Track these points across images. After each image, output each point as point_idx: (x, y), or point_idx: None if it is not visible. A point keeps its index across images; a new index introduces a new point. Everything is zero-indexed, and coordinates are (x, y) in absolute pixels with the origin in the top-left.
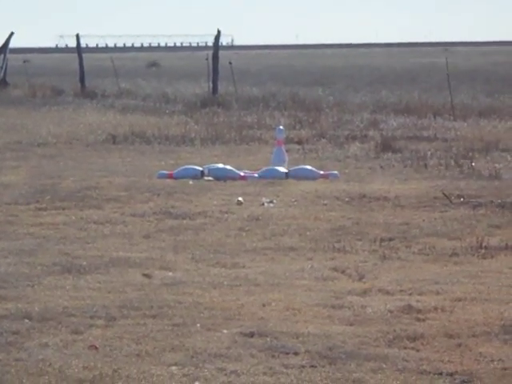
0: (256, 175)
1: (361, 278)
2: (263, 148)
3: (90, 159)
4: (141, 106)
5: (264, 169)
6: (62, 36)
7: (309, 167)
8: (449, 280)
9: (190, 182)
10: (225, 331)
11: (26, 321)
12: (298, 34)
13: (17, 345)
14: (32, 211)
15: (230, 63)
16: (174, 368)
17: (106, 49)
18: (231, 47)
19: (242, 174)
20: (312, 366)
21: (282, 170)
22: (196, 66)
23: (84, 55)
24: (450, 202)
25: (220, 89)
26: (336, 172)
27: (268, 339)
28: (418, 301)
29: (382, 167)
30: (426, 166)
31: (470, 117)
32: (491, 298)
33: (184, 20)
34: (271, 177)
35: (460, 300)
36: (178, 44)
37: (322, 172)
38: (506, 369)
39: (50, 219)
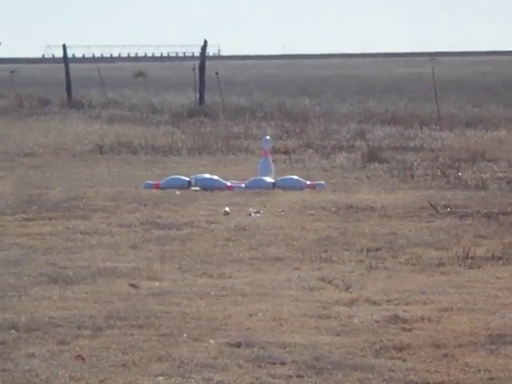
0: (243, 185)
1: (347, 288)
2: (250, 158)
3: (76, 169)
4: (127, 116)
5: (251, 179)
6: (48, 46)
7: (296, 177)
8: (435, 290)
9: (177, 193)
10: (211, 341)
11: (13, 331)
12: (285, 44)
13: (3, 355)
14: (18, 221)
15: (217, 73)
16: (160, 378)
17: (93, 59)
18: (218, 57)
19: (228, 184)
20: (299, 376)
21: (269, 180)
22: (183, 76)
23: (71, 65)
24: (437, 212)
25: (207, 99)
26: (323, 182)
27: (255, 349)
28: (404, 311)
29: (368, 177)
30: (412, 176)
31: (456, 127)
32: (478, 308)
33: (170, 30)
34: (258, 187)
35: (446, 310)
36: (165, 54)
37: (308, 182)
38: (492, 379)
39: (37, 229)
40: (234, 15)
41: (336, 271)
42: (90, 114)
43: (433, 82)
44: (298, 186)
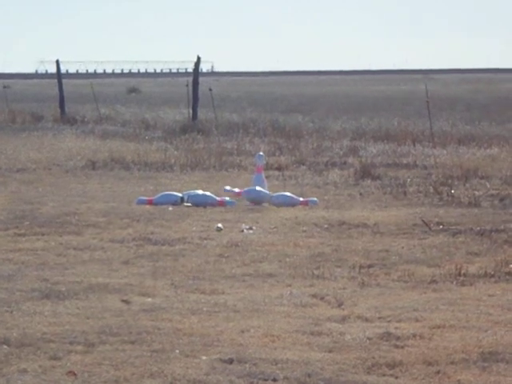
0: (236, 190)
1: (340, 304)
2: (243, 174)
3: (69, 185)
4: (120, 132)
5: (248, 188)
6: (42, 62)
7: (289, 194)
8: (427, 307)
9: (170, 208)
10: (204, 357)
11: (5, 347)
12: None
13: None
14: (11, 237)
15: (210, 90)
16: None
17: (86, 74)
18: (211, 73)
19: (218, 199)
20: None
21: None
22: (176, 92)
23: (64, 81)
24: (429, 229)
25: (200, 115)
26: (315, 199)
27: (247, 366)
28: (396, 328)
29: (361, 194)
30: (405, 193)
31: (449, 144)
32: (470, 326)
33: (164, 46)
34: (255, 198)
35: (439, 327)
36: (158, 70)
37: (301, 198)
38: None
39: (29, 245)
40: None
41: (328, 288)
42: (82, 129)
43: (426, 100)
44: (290, 203)
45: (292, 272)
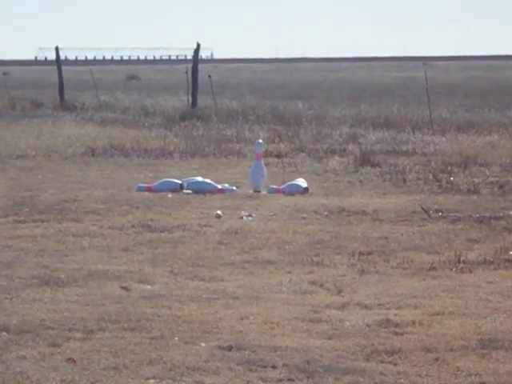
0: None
1: (339, 291)
2: (242, 161)
3: (68, 172)
4: (120, 119)
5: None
6: (41, 48)
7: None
8: (427, 294)
9: (169, 195)
10: (203, 344)
11: (4, 333)
12: (278, 48)
13: None
14: (10, 224)
15: (210, 76)
16: (151, 381)
17: (86, 61)
18: (211, 60)
19: (219, 186)
20: (290, 380)
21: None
22: (175, 80)
23: (63, 68)
24: (429, 216)
25: (199, 102)
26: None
27: (246, 353)
28: (395, 315)
29: (360, 181)
30: (404, 180)
31: (448, 131)
32: (469, 313)
33: (163, 33)
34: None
35: (438, 314)
36: (158, 57)
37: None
38: (483, 383)
39: (29, 232)
40: (227, 18)
41: (328, 275)
42: (82, 116)
43: (425, 87)
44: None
45: (291, 259)
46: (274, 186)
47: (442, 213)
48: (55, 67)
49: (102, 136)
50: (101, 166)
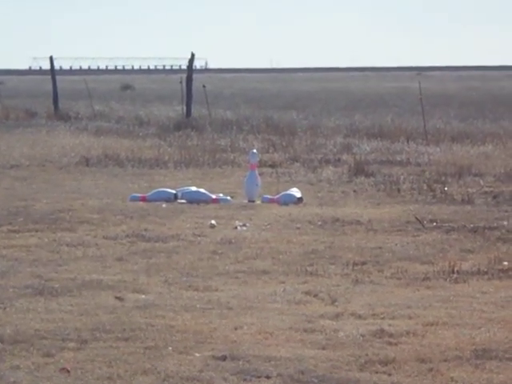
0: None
1: (333, 301)
2: (236, 171)
3: (63, 181)
4: (114, 129)
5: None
6: (35, 58)
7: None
8: (421, 304)
9: (163, 205)
10: (197, 354)
11: None
12: (273, 57)
13: None
14: (4, 233)
15: (204, 86)
16: None
17: (80, 71)
18: (205, 70)
19: (214, 196)
20: None
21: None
22: (170, 89)
23: (58, 77)
24: (423, 226)
25: (194, 112)
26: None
27: (240, 363)
28: (390, 325)
29: (355, 191)
30: (398, 190)
31: (443, 141)
32: (463, 323)
33: (158, 43)
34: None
35: (432, 324)
36: (152, 67)
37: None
38: None
39: (23, 241)
40: (222, 28)
41: (322, 285)
42: (76, 126)
43: (419, 97)
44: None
45: (285, 269)
46: (269, 196)
47: (436, 223)
48: (49, 77)
49: (96, 146)
50: (95, 175)
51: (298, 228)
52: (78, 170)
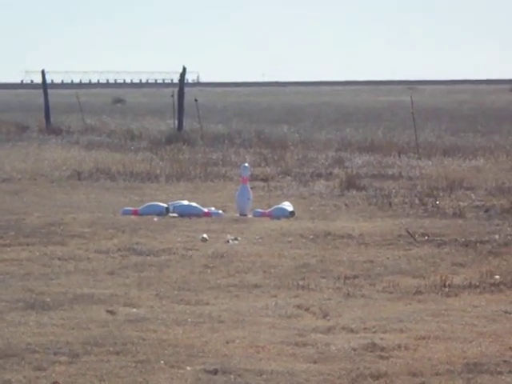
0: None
1: (325, 315)
2: (228, 185)
3: (54, 195)
4: (106, 143)
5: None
6: (27, 72)
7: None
8: (412, 318)
9: (155, 219)
10: (188, 368)
11: None
12: (264, 71)
13: None
14: None
15: (196, 100)
16: None
17: (72, 85)
18: (197, 84)
19: (205, 210)
20: None
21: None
22: (161, 103)
23: (49, 91)
24: (414, 240)
25: (185, 125)
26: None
27: (232, 376)
28: (381, 339)
29: (346, 205)
30: (390, 204)
31: (434, 155)
32: (454, 337)
33: (149, 57)
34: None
35: (423, 338)
36: (144, 80)
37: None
38: None
39: (14, 255)
40: (213, 42)
41: (313, 299)
42: (68, 139)
43: (411, 111)
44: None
45: (277, 283)
46: (260, 210)
47: (428, 237)
48: (41, 90)
49: (87, 159)
50: (87, 189)
51: (290, 242)
52: (70, 183)
